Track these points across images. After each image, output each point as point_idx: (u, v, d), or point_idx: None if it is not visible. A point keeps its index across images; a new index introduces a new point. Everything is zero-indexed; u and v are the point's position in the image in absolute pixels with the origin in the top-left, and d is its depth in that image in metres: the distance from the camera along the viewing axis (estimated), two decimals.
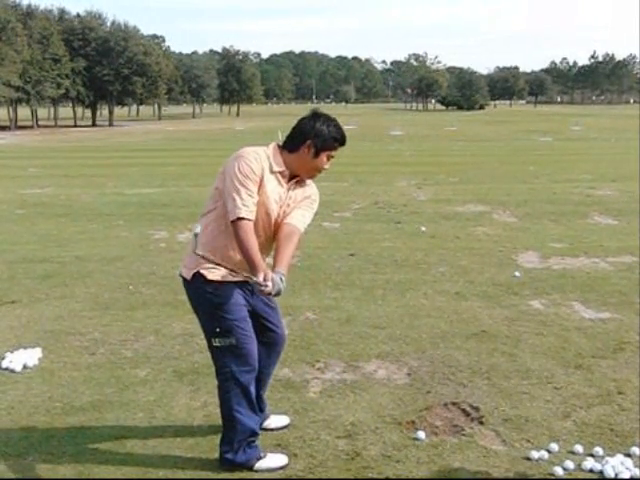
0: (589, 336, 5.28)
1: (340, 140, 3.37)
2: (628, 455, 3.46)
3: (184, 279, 3.37)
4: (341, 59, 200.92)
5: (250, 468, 3.38)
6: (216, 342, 3.32)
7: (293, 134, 3.37)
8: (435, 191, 14.24)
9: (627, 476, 3.29)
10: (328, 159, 3.39)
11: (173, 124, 65.50)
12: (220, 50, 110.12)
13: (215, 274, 3.25)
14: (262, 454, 3.43)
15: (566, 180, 15.87)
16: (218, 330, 3.29)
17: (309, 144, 3.31)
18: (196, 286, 3.31)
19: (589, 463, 3.38)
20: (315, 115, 3.39)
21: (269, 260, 3.38)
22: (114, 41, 71.02)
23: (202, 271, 3.25)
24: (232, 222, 3.14)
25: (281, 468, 3.39)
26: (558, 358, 4.82)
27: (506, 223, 10.41)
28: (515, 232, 9.62)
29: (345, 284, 6.84)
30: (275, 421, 3.82)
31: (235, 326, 3.28)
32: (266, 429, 3.75)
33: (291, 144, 3.35)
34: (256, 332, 3.44)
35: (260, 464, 3.39)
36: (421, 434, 3.68)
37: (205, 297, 3.30)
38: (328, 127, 3.33)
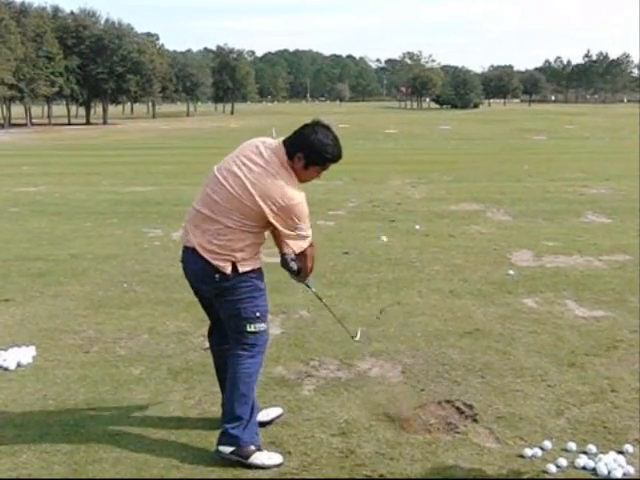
0: (582, 334, 5.30)
1: (332, 159, 3.43)
2: (621, 452, 3.47)
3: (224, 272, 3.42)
4: (335, 57, 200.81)
5: (247, 457, 3.38)
6: (251, 328, 3.45)
7: (292, 139, 3.41)
8: (429, 190, 14.26)
9: (620, 473, 3.30)
10: (319, 173, 3.47)
11: (167, 122, 65.40)
12: (214, 48, 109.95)
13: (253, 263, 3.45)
14: (261, 447, 3.46)
15: (560, 179, 15.90)
16: (258, 315, 3.46)
17: (299, 156, 3.36)
18: (237, 274, 3.40)
19: (582, 460, 3.39)
20: (315, 126, 3.42)
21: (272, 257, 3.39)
22: (108, 39, 70.83)
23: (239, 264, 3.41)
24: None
25: (276, 466, 3.40)
26: (551, 356, 4.84)
27: (500, 222, 10.43)
28: (509, 230, 9.64)
29: (339, 282, 6.85)
30: (266, 414, 3.84)
31: (266, 311, 3.54)
32: (262, 423, 3.76)
33: (289, 148, 3.38)
34: None
35: (257, 456, 3.40)
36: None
37: (248, 282, 3.42)
38: (323, 144, 3.37)
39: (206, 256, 3.36)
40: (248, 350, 3.48)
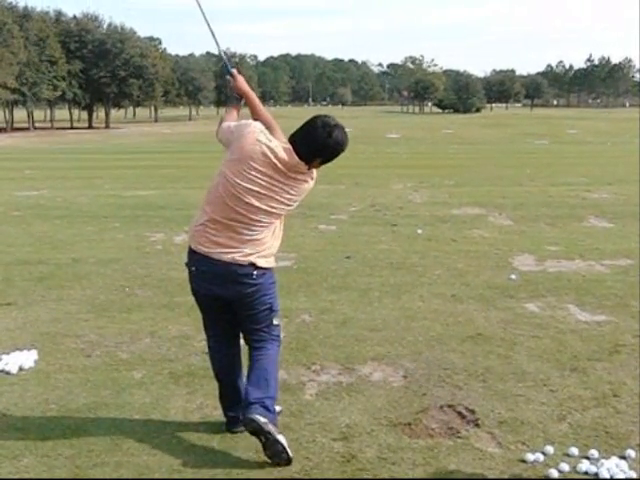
0: (584, 339, 5.29)
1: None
2: (623, 457, 3.47)
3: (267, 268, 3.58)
4: (338, 62, 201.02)
5: (276, 433, 3.41)
6: (276, 320, 3.70)
7: (308, 145, 3.41)
8: (431, 194, 14.26)
9: (622, 478, 3.30)
10: None
11: (169, 126, 65.46)
12: (217, 52, 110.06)
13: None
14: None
15: (562, 183, 15.90)
16: (278, 308, 3.71)
17: (318, 160, 3.46)
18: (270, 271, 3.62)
19: (584, 465, 3.39)
20: (325, 128, 3.41)
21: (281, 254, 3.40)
22: (110, 43, 70.90)
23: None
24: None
25: (287, 461, 3.42)
26: (553, 361, 4.83)
27: (502, 226, 10.43)
28: (511, 235, 9.63)
29: (341, 286, 6.85)
30: None
31: None
32: None
33: (306, 155, 3.41)
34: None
35: (282, 437, 3.45)
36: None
37: (273, 276, 3.65)
38: (340, 144, 3.45)
39: (254, 260, 3.48)
40: (276, 340, 3.72)
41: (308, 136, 3.42)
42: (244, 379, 3.74)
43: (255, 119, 3.62)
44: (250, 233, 3.45)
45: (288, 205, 3.50)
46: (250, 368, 3.63)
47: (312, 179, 3.52)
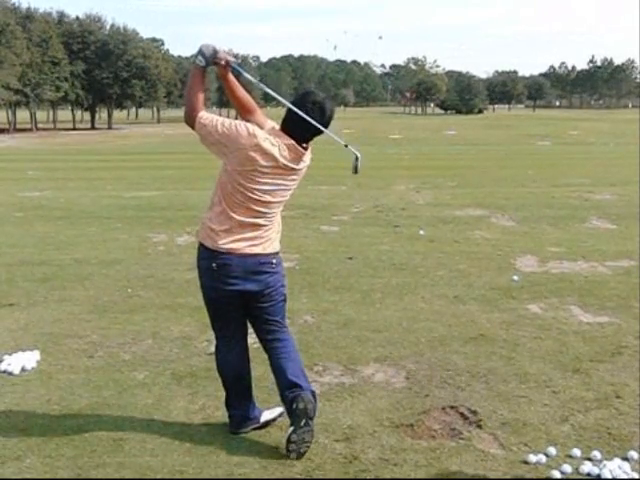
0: (587, 340, 5.29)
1: None
2: (626, 459, 3.46)
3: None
4: (340, 63, 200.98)
5: (312, 419, 3.56)
6: (286, 311, 3.81)
7: (308, 130, 3.53)
8: (434, 195, 14.26)
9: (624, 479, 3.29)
10: None
11: (172, 127, 65.43)
12: None
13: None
14: None
15: (564, 184, 15.89)
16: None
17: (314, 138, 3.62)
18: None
19: (587, 467, 3.38)
20: (316, 105, 3.53)
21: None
22: (113, 44, 71.06)
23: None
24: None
25: (306, 450, 3.54)
26: (556, 362, 4.83)
27: (504, 227, 10.42)
28: (513, 236, 9.63)
29: (343, 288, 6.84)
30: (269, 413, 3.89)
31: None
32: (268, 422, 3.85)
33: (307, 139, 3.57)
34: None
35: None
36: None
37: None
38: (332, 115, 3.61)
39: (276, 246, 3.66)
40: (287, 330, 3.82)
41: (304, 120, 3.48)
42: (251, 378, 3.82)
43: (240, 112, 3.83)
44: (269, 223, 3.60)
45: (292, 189, 3.67)
46: (280, 360, 3.68)
47: (310, 157, 3.66)
